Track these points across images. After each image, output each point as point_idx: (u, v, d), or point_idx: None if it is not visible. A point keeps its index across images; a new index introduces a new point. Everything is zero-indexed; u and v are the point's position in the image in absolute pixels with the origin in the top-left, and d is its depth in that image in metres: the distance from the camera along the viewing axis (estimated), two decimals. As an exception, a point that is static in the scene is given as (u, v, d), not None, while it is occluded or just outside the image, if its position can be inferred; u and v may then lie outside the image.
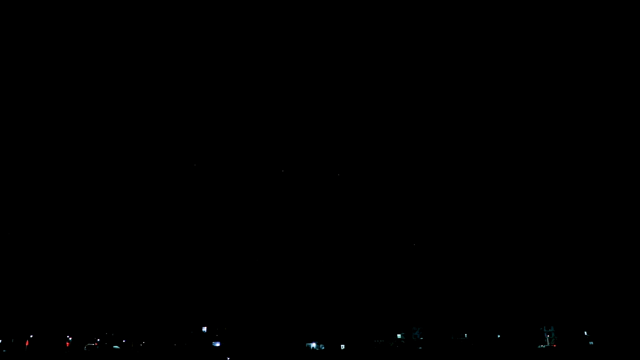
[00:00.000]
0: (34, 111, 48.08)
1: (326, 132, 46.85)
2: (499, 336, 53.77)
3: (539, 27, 45.61)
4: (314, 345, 60.70)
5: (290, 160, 47.37)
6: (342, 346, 56.49)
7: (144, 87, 49.11)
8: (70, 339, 56.80)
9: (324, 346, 59.13)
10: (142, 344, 60.05)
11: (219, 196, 48.06)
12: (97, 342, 60.50)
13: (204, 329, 59.35)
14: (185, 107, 49.27)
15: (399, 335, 62.43)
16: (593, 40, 44.73)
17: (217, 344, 59.54)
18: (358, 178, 45.85)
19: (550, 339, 60.22)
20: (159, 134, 49.81)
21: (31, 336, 52.83)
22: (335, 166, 46.87)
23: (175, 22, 47.99)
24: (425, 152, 45.82)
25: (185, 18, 47.88)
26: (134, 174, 49.74)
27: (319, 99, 46.75)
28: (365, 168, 46.32)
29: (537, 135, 46.90)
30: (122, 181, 49.67)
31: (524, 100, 46.97)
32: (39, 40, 46.76)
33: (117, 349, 60.07)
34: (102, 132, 49.56)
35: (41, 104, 48.21)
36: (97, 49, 48.03)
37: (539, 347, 58.03)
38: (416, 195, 46.24)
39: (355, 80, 46.48)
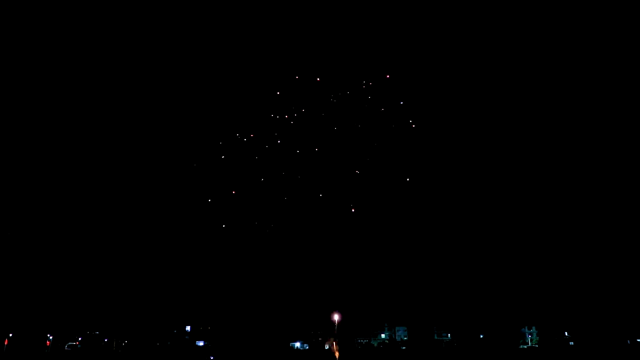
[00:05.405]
0: (34, 111, 47.50)
1: (324, 132, 46.80)
2: (481, 336, 54.25)
3: (539, 27, 45.91)
4: (298, 344, 60.67)
5: (282, 161, 47.25)
6: (326, 346, 56.56)
7: (144, 87, 48.74)
8: (50, 337, 56.03)
9: (308, 346, 59.15)
10: (125, 343, 59.46)
11: (203, 196, 47.76)
12: (78, 341, 59.77)
13: (188, 328, 58.97)
14: (185, 107, 48.96)
15: (382, 335, 62.66)
16: (593, 40, 45.10)
17: (201, 343, 59.22)
18: (341, 179, 45.88)
19: (531, 339, 60.92)
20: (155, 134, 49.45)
21: (10, 335, 52.03)
22: (327, 167, 46.87)
23: (175, 22, 47.67)
24: (401, 153, 45.95)
25: (185, 18, 47.58)
26: (115, 174, 49.26)
27: (319, 99, 46.69)
28: (352, 169, 46.35)
29: (511, 135, 47.25)
30: (103, 181, 49.14)
31: (524, 101, 47.28)
32: (39, 40, 46.22)
33: (99, 347, 59.40)
34: (99, 131, 49.09)
35: (41, 104, 47.64)
36: (97, 49, 47.60)
37: (521, 347, 58.66)
38: (399, 197, 46.37)
39: (356, 80, 46.46)
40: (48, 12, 46.16)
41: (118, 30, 47.67)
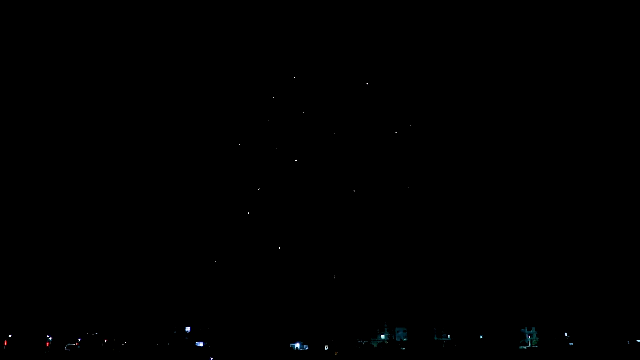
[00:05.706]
0: (34, 111, 47.51)
1: (323, 137, 46.81)
2: (481, 337, 54.21)
3: (539, 27, 45.94)
4: (297, 345, 60.64)
5: (285, 161, 47.26)
6: (326, 347, 56.49)
7: (144, 87, 48.75)
8: (50, 338, 55.97)
9: (308, 346, 59.09)
10: (124, 343, 59.43)
11: (200, 195, 47.80)
12: (78, 341, 59.72)
13: (187, 328, 58.92)
14: (185, 107, 48.97)
15: (382, 336, 62.67)
16: (593, 40, 45.11)
17: (200, 344, 59.15)
18: (338, 180, 45.91)
19: (531, 340, 60.97)
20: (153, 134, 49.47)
21: (10, 336, 51.97)
22: (326, 170, 46.89)
23: (175, 22, 47.70)
24: (401, 156, 45.98)
25: (185, 18, 47.61)
26: (114, 175, 49.29)
27: (320, 99, 46.66)
28: (348, 170, 46.41)
29: (503, 136, 47.28)
30: (103, 181, 49.17)
31: (526, 103, 47.29)
32: (39, 40, 46.28)
33: (98, 348, 59.35)
34: (97, 132, 49.12)
35: (41, 104, 47.65)
36: (97, 49, 47.63)
37: (521, 347, 58.71)
38: (396, 196, 46.41)
39: (355, 80, 46.45)
40: (48, 11, 46.26)
41: (111, 33, 47.75)
